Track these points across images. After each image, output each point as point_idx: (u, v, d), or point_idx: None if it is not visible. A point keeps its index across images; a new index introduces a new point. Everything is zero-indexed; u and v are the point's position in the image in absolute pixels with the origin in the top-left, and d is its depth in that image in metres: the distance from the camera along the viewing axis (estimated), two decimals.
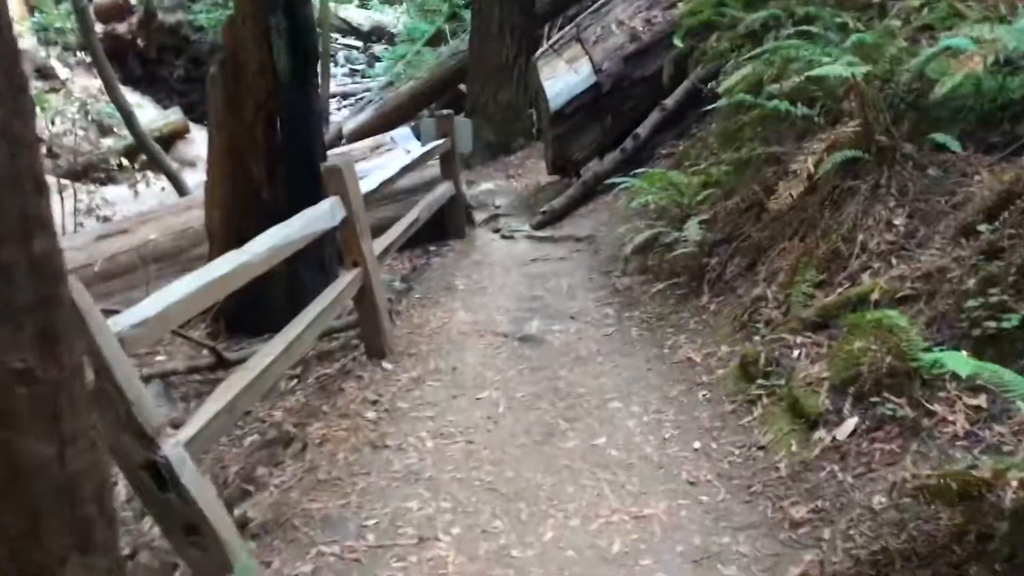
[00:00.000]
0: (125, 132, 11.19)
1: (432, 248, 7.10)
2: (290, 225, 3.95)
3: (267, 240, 3.64)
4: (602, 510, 3.16)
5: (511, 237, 7.40)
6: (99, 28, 18.62)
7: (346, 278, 4.66)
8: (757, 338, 4.17)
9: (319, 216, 4.25)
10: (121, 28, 18.54)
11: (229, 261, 3.29)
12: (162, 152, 8.07)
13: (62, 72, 18.99)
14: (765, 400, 3.71)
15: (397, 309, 5.76)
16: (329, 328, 5.41)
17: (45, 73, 19.31)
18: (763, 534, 2.89)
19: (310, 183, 5.58)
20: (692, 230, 5.26)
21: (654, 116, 7.67)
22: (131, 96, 16.86)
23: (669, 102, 7.65)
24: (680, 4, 7.82)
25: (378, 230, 6.03)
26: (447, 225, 7.22)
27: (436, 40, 15.99)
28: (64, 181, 9.76)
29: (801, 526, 2.85)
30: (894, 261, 3.92)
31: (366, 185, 5.05)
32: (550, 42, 7.96)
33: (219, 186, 5.82)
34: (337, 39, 24.50)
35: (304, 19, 5.44)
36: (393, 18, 23.68)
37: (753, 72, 5.53)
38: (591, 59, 7.73)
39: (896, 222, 4.13)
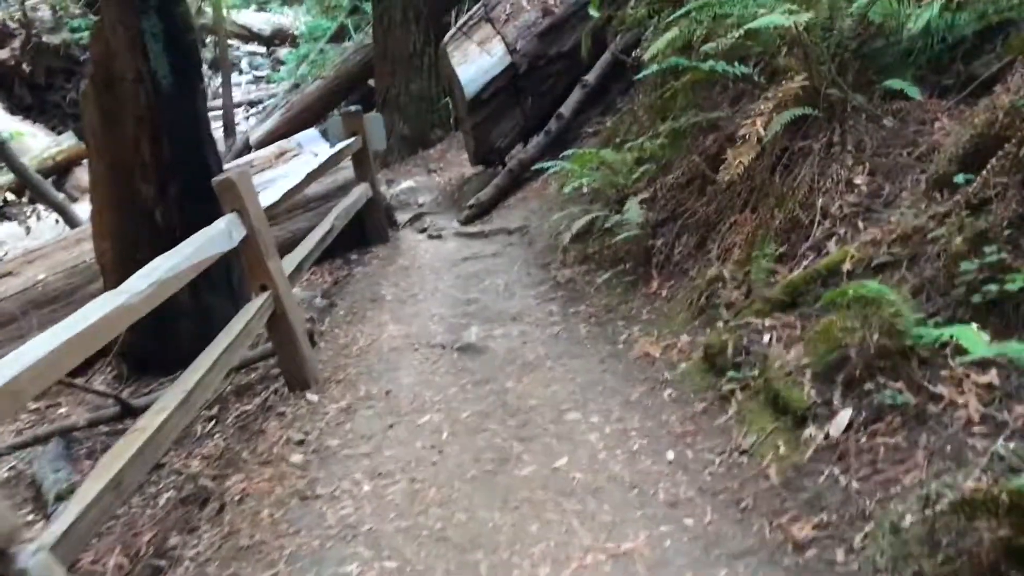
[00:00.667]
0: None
1: (354, 257, 6.55)
2: (178, 253, 3.39)
3: (149, 274, 3.08)
4: (573, 551, 2.70)
5: (439, 236, 6.89)
6: None
7: (255, 304, 4.11)
8: (720, 324, 3.76)
9: (213, 238, 3.69)
10: (3, 54, 17.37)
11: (102, 305, 2.72)
12: (44, 183, 7.35)
13: None
14: (739, 395, 3.29)
15: (319, 330, 5.22)
16: (245, 359, 4.87)
17: None
18: (764, 561, 2.46)
19: (207, 200, 5.00)
20: (632, 211, 4.83)
21: (576, 94, 7.24)
22: (20, 125, 15.82)
23: (590, 77, 7.23)
24: None
25: (292, 245, 5.49)
26: (368, 230, 6.68)
27: (339, 37, 15.32)
28: None
29: (807, 548, 2.43)
30: (861, 225, 3.55)
31: (268, 197, 4.49)
32: (458, 25, 7.46)
33: (106, 213, 5.19)
34: (239, 47, 23.60)
35: (180, 18, 4.83)
36: (294, 19, 22.87)
37: (680, 34, 5.10)
38: (503, 39, 7.25)
39: (857, 181, 3.76)
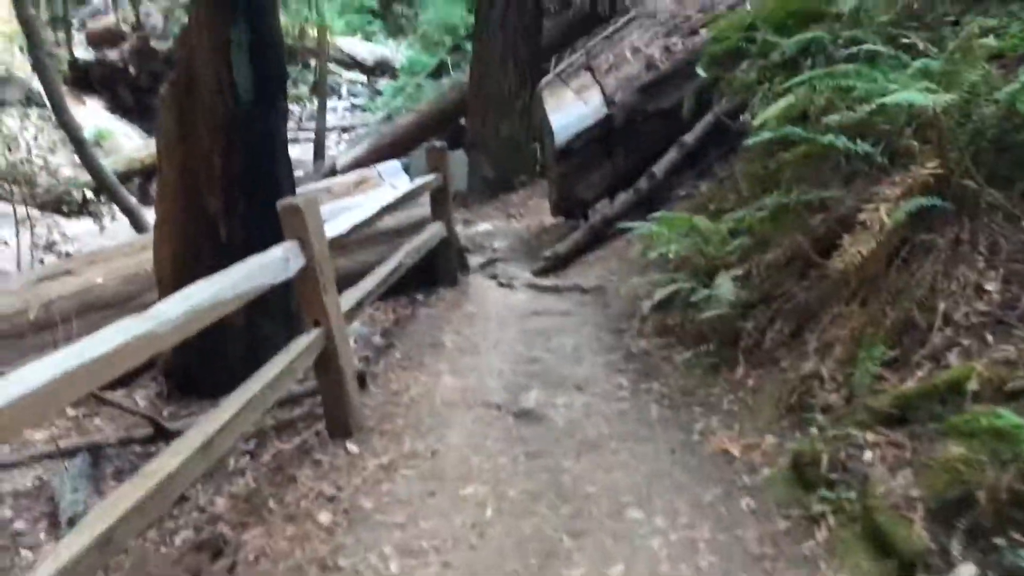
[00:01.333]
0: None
1: (420, 297, 6.26)
2: (225, 277, 3.12)
3: (186, 298, 2.80)
4: None
5: (509, 286, 6.57)
6: (90, 54, 18.03)
7: (303, 340, 3.81)
8: (813, 430, 3.31)
9: (268, 266, 3.41)
10: (113, 55, 17.92)
11: (125, 329, 2.44)
12: (118, 184, 7.30)
13: None
14: (832, 520, 2.84)
15: (372, 372, 4.91)
16: (293, 393, 4.58)
17: (36, 100, 18.68)
18: None
19: (275, 220, 4.81)
20: (724, 287, 4.42)
21: (672, 153, 6.88)
22: (117, 125, 16.19)
23: (689, 138, 6.87)
24: (703, 31, 7.06)
25: (360, 276, 5.23)
26: (438, 271, 6.39)
27: (439, 74, 15.33)
28: (35, 213, 9.00)
29: None
30: (991, 339, 3.08)
31: (335, 228, 4.23)
32: (556, 70, 7.21)
33: (169, 223, 5.02)
34: (341, 73, 24.03)
35: (270, 31, 4.67)
36: (396, 52, 23.20)
37: (796, 103, 4.73)
38: (602, 89, 6.96)
39: (988, 287, 3.29)
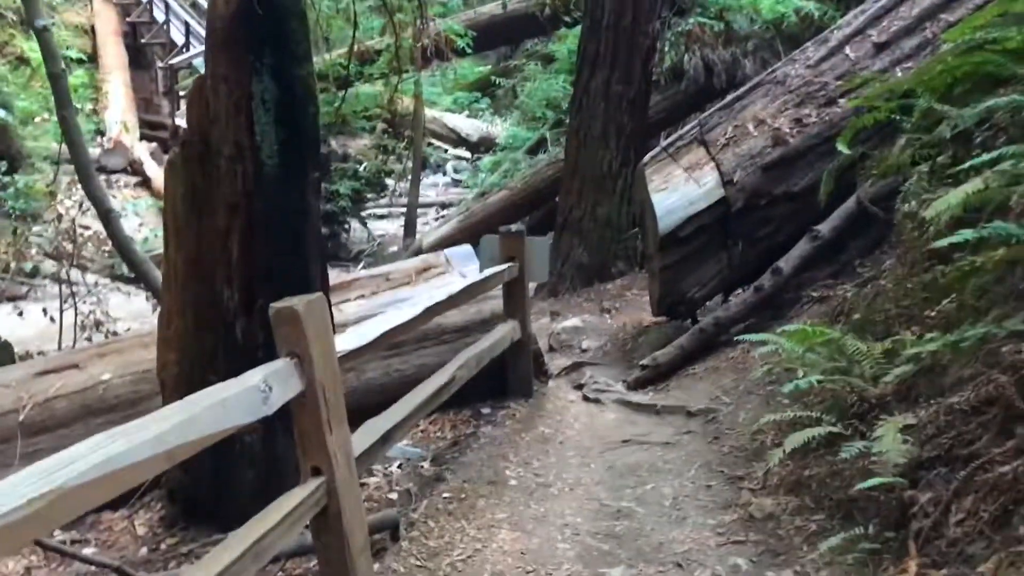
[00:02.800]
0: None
1: (485, 410, 5.14)
2: (180, 412, 2.10)
3: (96, 448, 1.80)
4: None
5: (596, 400, 5.39)
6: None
7: (296, 495, 2.75)
8: None
9: (230, 404, 2.36)
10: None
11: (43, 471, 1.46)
12: (147, 262, 6.57)
13: (150, 166, 18.40)
14: None
15: (409, 518, 3.79)
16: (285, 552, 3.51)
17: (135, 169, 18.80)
18: None
19: None
20: (888, 443, 3.13)
21: (802, 246, 5.65)
22: None
23: (824, 228, 5.63)
24: (843, 100, 5.87)
25: (416, 383, 4.20)
26: (509, 379, 5.28)
27: (538, 149, 14.48)
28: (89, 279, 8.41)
29: None
30: None
31: (357, 336, 3.18)
32: (664, 143, 6.11)
33: (177, 318, 4.08)
34: (447, 149, 23.71)
35: (301, 85, 3.74)
36: (501, 129, 22.72)
37: (983, 190, 3.50)
38: (718, 167, 5.82)
39: None
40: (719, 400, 5.03)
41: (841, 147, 5.23)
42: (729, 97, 6.23)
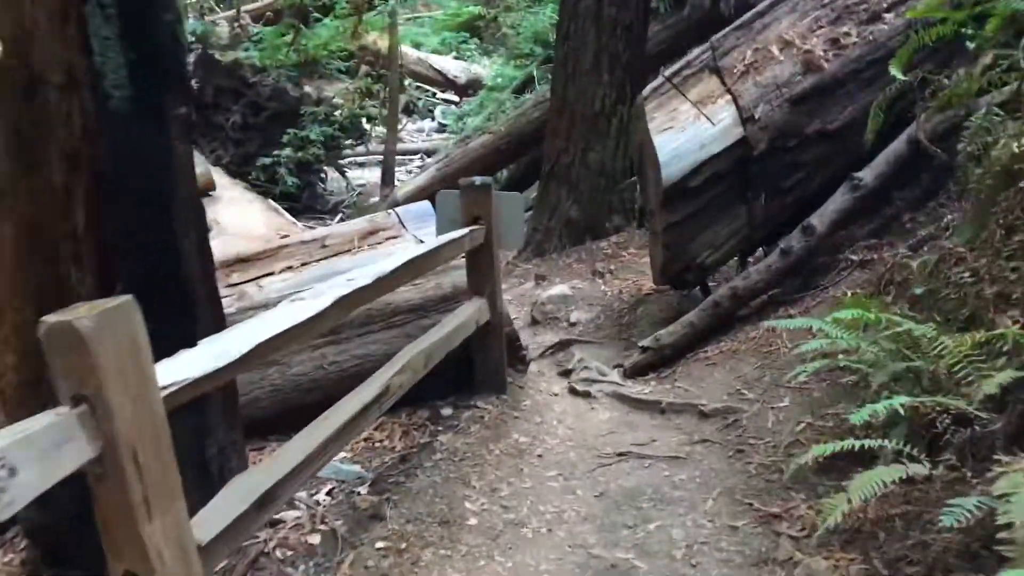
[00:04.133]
0: None
1: (446, 412, 4.07)
2: None
3: None
4: None
5: (586, 393, 4.34)
6: None
7: None
8: None
9: None
10: None
11: None
12: None
13: None
14: None
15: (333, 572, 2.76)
16: None
17: None
18: None
19: (176, 308, 2.83)
20: (1018, 496, 2.08)
21: (840, 197, 4.54)
22: None
23: (866, 175, 4.51)
24: (890, 15, 4.71)
25: (360, 378, 3.19)
26: (477, 370, 4.21)
27: (525, 89, 13.24)
28: None
29: None
30: None
31: (201, 359, 2.08)
32: (668, 72, 4.96)
33: (11, 311, 2.99)
34: (435, 93, 22.42)
35: None
36: (490, 70, 21.41)
37: None
38: (735, 100, 4.69)
39: None
40: (739, 395, 3.97)
41: (895, 71, 4.10)
42: (748, 14, 5.05)
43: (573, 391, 4.39)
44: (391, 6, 12.73)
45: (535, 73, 12.47)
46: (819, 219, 4.55)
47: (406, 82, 21.98)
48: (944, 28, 4.03)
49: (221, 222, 10.72)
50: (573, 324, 5.63)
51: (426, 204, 4.53)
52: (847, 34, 4.66)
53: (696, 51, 4.97)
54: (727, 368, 4.30)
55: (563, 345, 5.23)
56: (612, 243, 7.07)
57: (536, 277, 6.71)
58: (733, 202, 4.75)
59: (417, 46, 22.77)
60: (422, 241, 4.35)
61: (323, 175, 15.89)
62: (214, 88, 16.34)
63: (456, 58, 23.21)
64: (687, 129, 4.69)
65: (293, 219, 12.64)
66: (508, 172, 11.67)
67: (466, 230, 3.84)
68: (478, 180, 3.97)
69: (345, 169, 16.36)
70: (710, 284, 5.13)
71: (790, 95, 4.64)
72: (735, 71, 4.78)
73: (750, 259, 5.15)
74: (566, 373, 4.70)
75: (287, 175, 13.96)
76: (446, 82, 22.82)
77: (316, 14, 14.72)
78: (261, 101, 15.84)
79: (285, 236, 8.80)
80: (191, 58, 16.49)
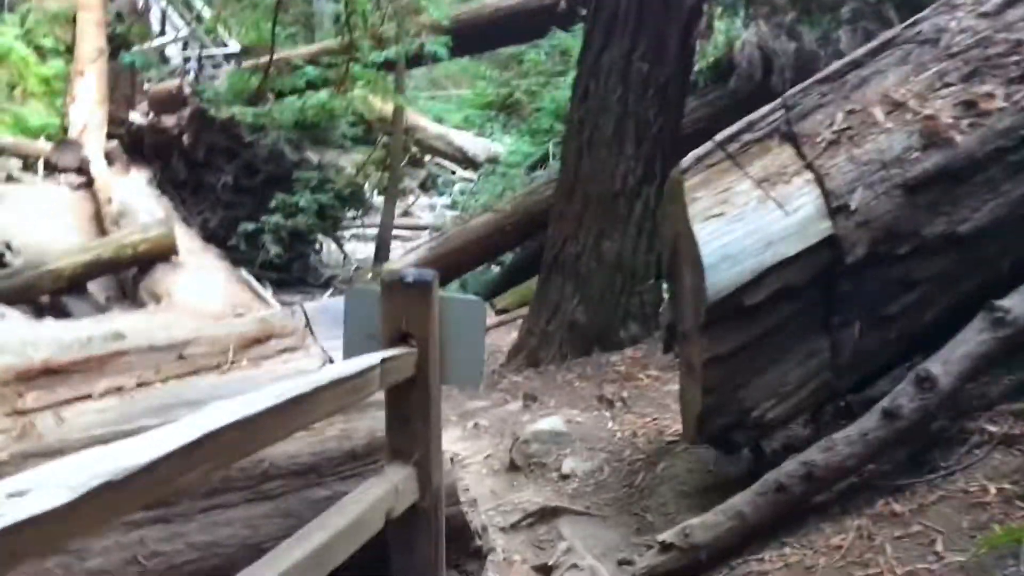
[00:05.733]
0: None
1: None
2: None
3: None
4: None
5: None
6: (145, 119, 15.71)
7: None
8: None
9: None
10: (169, 121, 15.44)
11: None
12: None
13: (97, 165, 16.03)
14: None
15: None
16: None
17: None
18: None
19: None
20: None
21: (976, 334, 2.98)
22: (145, 202, 13.33)
23: (1016, 304, 2.97)
24: None
25: None
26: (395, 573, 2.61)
27: (540, 166, 11.93)
28: None
29: None
30: None
31: None
32: (720, 137, 3.46)
33: None
34: (455, 170, 21.42)
35: None
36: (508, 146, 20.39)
37: None
38: (819, 180, 3.19)
39: None
40: None
41: None
42: (837, 64, 3.58)
43: None
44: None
45: (551, 150, 11.16)
46: (942, 366, 2.98)
47: (426, 157, 21.12)
48: None
49: (173, 294, 9.31)
50: (566, 477, 4.02)
51: (338, 302, 2.99)
52: (989, 96, 3.17)
53: (763, 111, 3.48)
54: None
55: (547, 515, 3.63)
56: (627, 359, 5.48)
57: (525, 396, 5.14)
58: (810, 331, 3.18)
59: (439, 120, 21.96)
60: (331, 360, 2.82)
61: (318, 246, 14.71)
62: (207, 146, 15.18)
63: (478, 135, 22.28)
64: (746, 218, 3.17)
65: (266, 293, 11.23)
66: (512, 257, 10.27)
67: (383, 355, 2.29)
68: (411, 274, 2.43)
69: (343, 241, 15.18)
70: (764, 445, 3.52)
71: (903, 179, 3.12)
72: (819, 140, 3.28)
73: (827, 415, 3.56)
74: (545, 571, 3.09)
75: (271, 243, 12.66)
76: (465, 159, 21.81)
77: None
78: (256, 163, 14.61)
79: (240, 314, 7.38)
80: (184, 112, 15.42)
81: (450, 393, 4.61)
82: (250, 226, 12.81)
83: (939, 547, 2.67)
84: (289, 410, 1.74)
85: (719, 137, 3.47)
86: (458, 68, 24.48)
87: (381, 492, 2.31)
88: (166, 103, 15.70)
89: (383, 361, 2.23)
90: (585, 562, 3.07)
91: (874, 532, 2.83)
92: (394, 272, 2.50)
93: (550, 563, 3.13)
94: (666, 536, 3.04)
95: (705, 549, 2.98)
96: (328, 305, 3.21)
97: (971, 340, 3.01)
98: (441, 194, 21.12)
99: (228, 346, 2.91)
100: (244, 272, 11.34)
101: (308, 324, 3.02)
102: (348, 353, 2.53)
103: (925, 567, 2.63)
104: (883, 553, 2.73)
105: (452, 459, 3.09)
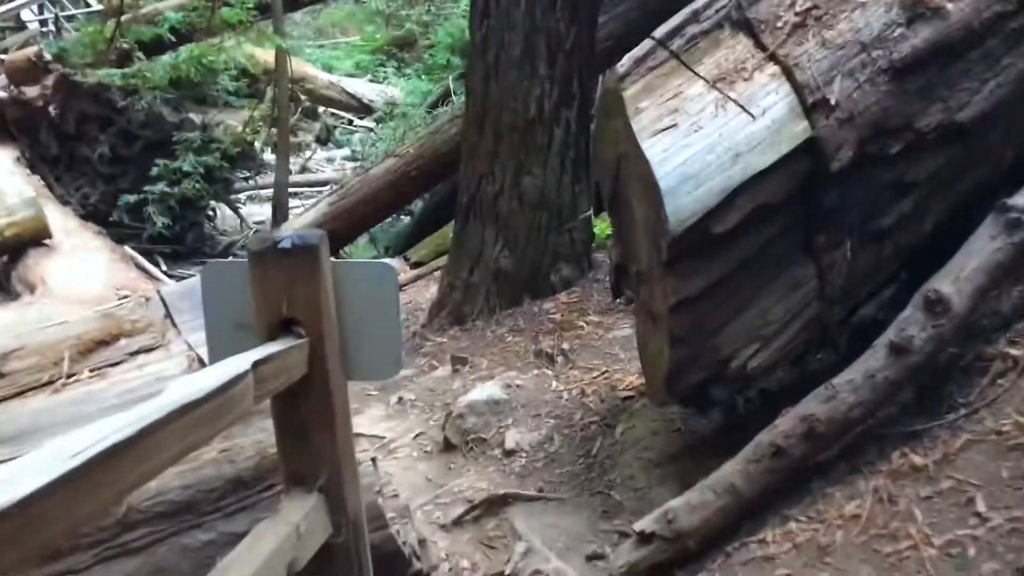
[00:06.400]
0: None
1: None
2: None
3: None
4: None
5: None
6: (5, 93, 14.20)
7: None
8: None
9: None
10: (32, 92, 13.97)
11: None
12: None
13: None
14: None
15: None
16: None
17: None
18: None
19: None
20: None
21: (987, 241, 2.48)
22: (11, 181, 12.09)
23: None
24: None
25: None
26: None
27: (442, 105, 11.15)
28: None
29: None
30: None
31: None
32: (658, 34, 2.83)
33: None
34: (352, 120, 20.34)
35: None
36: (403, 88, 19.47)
37: None
38: (787, 72, 2.60)
39: None
40: None
41: None
42: None
43: None
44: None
45: (452, 86, 10.37)
46: (953, 284, 2.47)
47: (320, 109, 20.06)
48: None
49: (49, 282, 8.33)
50: (511, 453, 3.44)
51: (194, 283, 2.29)
52: None
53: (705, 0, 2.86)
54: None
55: (495, 504, 3.05)
56: (561, 305, 4.90)
57: (453, 360, 4.52)
58: (792, 258, 2.64)
59: (329, 69, 20.87)
60: (200, 359, 2.14)
61: (212, 213, 13.68)
62: (77, 115, 13.80)
63: (371, 81, 21.26)
64: (704, 127, 2.57)
65: (155, 271, 10.28)
66: (423, 204, 9.54)
67: (254, 355, 1.62)
68: (289, 238, 1.75)
69: (239, 205, 14.14)
70: (748, 396, 2.99)
71: (889, 62, 2.56)
72: (780, 24, 2.70)
73: (819, 355, 3.04)
74: None
75: (157, 214, 11.62)
76: (361, 107, 20.75)
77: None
78: (133, 129, 13.34)
79: (125, 297, 6.52)
80: (48, 81, 14.00)
81: None
82: (132, 198, 11.74)
83: (979, 506, 2.19)
84: (89, 481, 1.07)
85: (658, 33, 2.85)
86: (343, 15, 23.31)
87: (275, 541, 1.67)
88: (27, 72, 14.21)
89: (255, 365, 1.56)
90: (549, 565, 2.51)
91: (895, 493, 2.33)
92: (264, 237, 1.82)
93: (507, 572, 2.56)
94: (644, 524, 2.49)
95: (693, 536, 2.44)
96: (193, 287, 2.51)
97: (984, 249, 2.50)
98: (340, 146, 20.07)
99: (62, 354, 2.20)
100: (128, 249, 10.36)
101: (169, 314, 2.33)
102: (213, 355, 1.86)
103: (968, 533, 2.14)
104: (912, 520, 2.24)
105: (374, 460, 2.46)
